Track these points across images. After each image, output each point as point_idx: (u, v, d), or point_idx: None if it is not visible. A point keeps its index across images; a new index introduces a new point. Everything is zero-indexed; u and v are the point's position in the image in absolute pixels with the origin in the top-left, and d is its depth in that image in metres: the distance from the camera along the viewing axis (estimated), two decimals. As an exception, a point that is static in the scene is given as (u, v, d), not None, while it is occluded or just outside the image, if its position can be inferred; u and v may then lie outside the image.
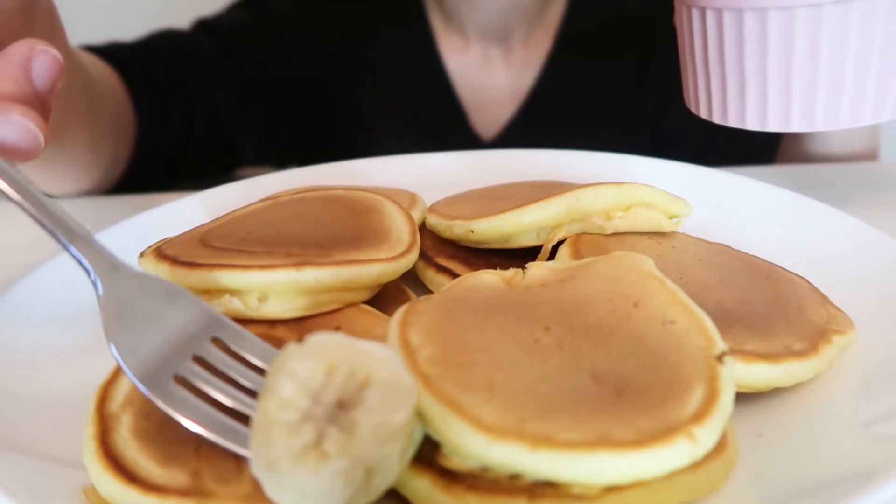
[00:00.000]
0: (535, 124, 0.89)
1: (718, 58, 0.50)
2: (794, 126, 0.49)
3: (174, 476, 0.30)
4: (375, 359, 0.28)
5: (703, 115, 0.54)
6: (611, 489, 0.28)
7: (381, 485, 0.27)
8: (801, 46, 0.46)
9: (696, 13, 0.50)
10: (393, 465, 0.28)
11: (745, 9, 0.46)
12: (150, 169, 0.81)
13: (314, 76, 0.92)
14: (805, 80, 0.47)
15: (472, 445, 0.28)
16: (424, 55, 0.91)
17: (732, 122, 0.52)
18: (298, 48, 0.91)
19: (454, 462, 0.29)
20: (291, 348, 0.29)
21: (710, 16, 0.49)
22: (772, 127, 0.50)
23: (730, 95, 0.51)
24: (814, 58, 0.46)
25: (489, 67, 0.91)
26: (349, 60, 0.92)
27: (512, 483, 0.29)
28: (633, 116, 0.90)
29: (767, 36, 0.47)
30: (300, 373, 0.28)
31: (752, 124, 0.51)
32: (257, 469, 0.27)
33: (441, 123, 0.91)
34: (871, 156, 0.77)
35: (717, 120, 0.53)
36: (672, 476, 0.29)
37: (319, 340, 0.29)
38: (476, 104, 0.91)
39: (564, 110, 0.90)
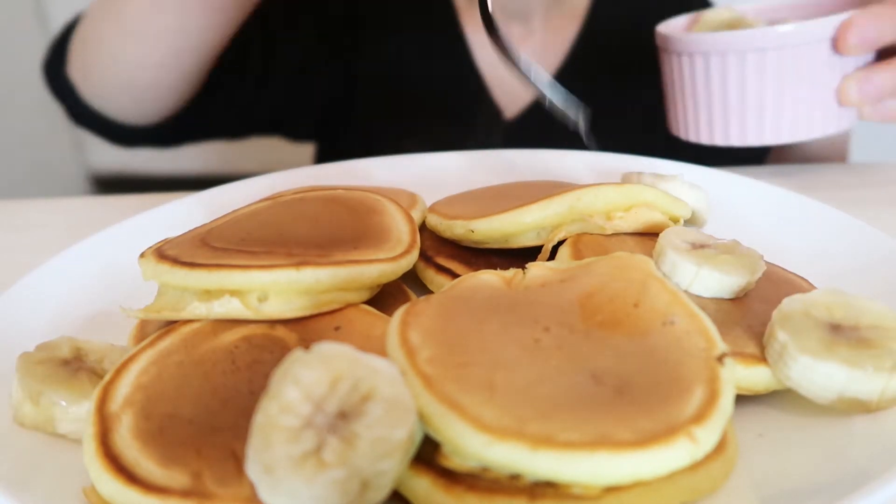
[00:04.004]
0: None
1: (692, 91, 0.65)
2: (750, 141, 0.64)
3: (175, 477, 0.30)
4: (380, 374, 0.28)
5: (682, 135, 0.69)
6: (611, 489, 0.28)
7: (373, 499, 0.27)
8: (750, 81, 0.61)
9: (674, 57, 0.65)
10: (387, 482, 0.28)
11: (711, 52, 0.62)
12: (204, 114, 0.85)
13: (340, 51, 0.92)
14: (754, 105, 0.62)
15: (472, 445, 0.28)
16: (446, 30, 0.91)
17: (704, 140, 0.66)
18: (327, 24, 0.91)
19: (454, 462, 0.29)
20: (298, 355, 0.29)
21: (684, 60, 0.64)
22: (734, 142, 0.64)
23: (701, 119, 0.65)
24: (759, 90, 0.61)
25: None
26: (374, 37, 0.92)
27: (512, 483, 0.29)
28: (649, 118, 0.91)
29: (727, 73, 0.62)
30: (304, 379, 0.28)
31: (719, 140, 0.65)
32: (253, 471, 0.27)
33: (464, 99, 0.91)
34: (841, 155, 0.85)
35: (692, 139, 0.68)
36: (672, 476, 0.29)
37: (326, 349, 0.29)
38: (498, 80, 0.91)
39: (585, 100, 0.90)
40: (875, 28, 0.57)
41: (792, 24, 0.59)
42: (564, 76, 0.89)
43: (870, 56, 0.61)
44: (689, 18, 0.70)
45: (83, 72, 0.79)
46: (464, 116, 0.91)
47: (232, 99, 0.87)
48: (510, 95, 0.90)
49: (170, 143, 0.89)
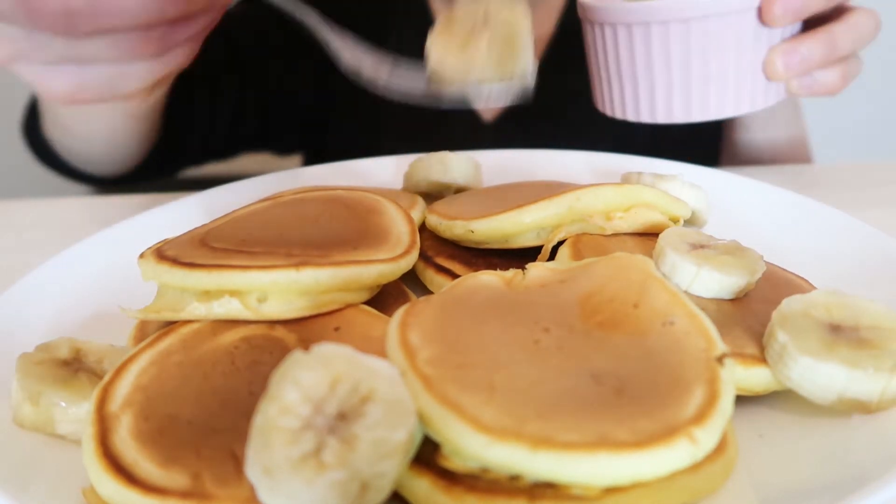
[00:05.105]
0: (536, 109, 0.90)
1: (616, 64, 0.60)
2: (676, 118, 0.59)
3: (174, 478, 0.30)
4: (379, 376, 0.28)
5: (608, 113, 0.63)
6: (611, 490, 0.28)
7: (373, 500, 0.27)
8: (675, 53, 0.56)
9: (596, 28, 0.60)
10: (387, 483, 0.28)
11: (633, 23, 0.57)
12: (171, 154, 0.86)
13: (314, 62, 0.92)
14: (679, 80, 0.58)
15: (472, 446, 0.28)
16: (423, 33, 0.92)
17: (630, 117, 0.61)
18: (299, 39, 0.92)
19: (454, 463, 0.29)
20: (297, 356, 0.28)
21: (607, 31, 0.59)
22: (660, 119, 0.60)
23: (627, 94, 0.60)
24: (684, 63, 0.57)
25: None
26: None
27: (512, 484, 0.29)
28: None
29: (650, 45, 0.57)
30: (304, 381, 0.28)
31: (645, 118, 0.60)
32: (253, 473, 0.27)
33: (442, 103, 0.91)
34: (802, 157, 0.82)
35: (618, 116, 0.62)
36: (672, 477, 0.29)
37: (325, 351, 0.29)
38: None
39: (564, 99, 0.90)
40: None
41: None
42: (544, 72, 0.90)
43: (796, 27, 0.58)
44: None
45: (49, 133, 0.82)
46: (442, 120, 0.91)
47: (213, 124, 0.88)
48: None
49: (158, 177, 0.89)
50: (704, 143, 0.80)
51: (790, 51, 0.57)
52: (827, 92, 0.60)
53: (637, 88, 0.60)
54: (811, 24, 0.59)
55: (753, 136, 0.80)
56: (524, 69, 0.42)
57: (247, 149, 0.98)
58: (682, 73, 0.57)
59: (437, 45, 0.37)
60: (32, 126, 0.83)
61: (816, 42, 0.57)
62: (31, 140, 0.84)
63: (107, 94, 0.49)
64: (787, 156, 0.81)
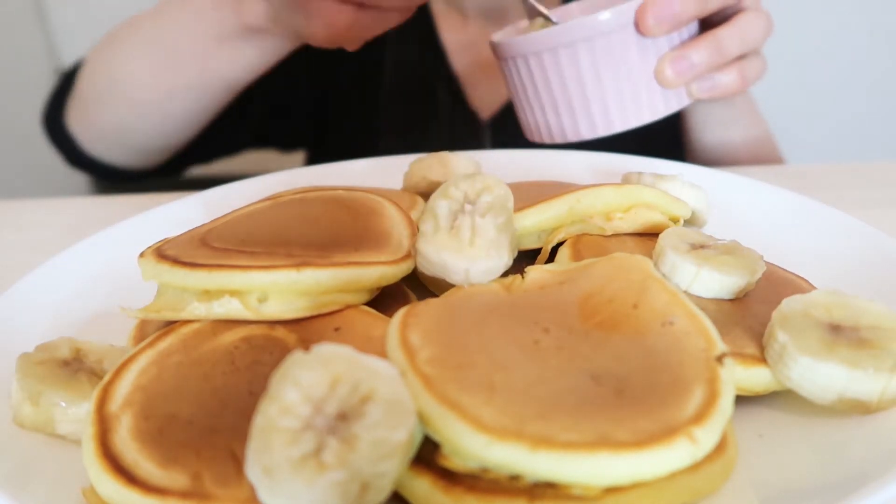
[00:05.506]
0: None
1: (524, 93, 0.63)
2: (584, 135, 0.62)
3: (174, 478, 0.30)
4: (379, 376, 0.28)
5: (529, 138, 0.66)
6: (611, 490, 0.28)
7: (373, 501, 0.27)
8: (568, 76, 0.60)
9: (502, 64, 0.64)
10: (387, 483, 0.28)
11: (528, 54, 0.60)
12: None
13: (314, 57, 0.93)
14: (578, 100, 0.61)
15: (472, 446, 0.28)
16: (422, 32, 0.92)
17: (546, 140, 0.64)
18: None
19: (454, 463, 0.29)
20: (297, 356, 0.28)
21: (510, 64, 0.62)
22: (570, 138, 0.63)
23: (538, 120, 0.64)
24: (578, 83, 0.60)
25: (487, 45, 0.91)
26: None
27: (512, 484, 0.29)
28: None
29: (546, 72, 0.60)
30: (304, 381, 0.28)
31: (557, 138, 0.63)
32: (253, 473, 0.27)
33: (439, 100, 0.91)
34: (761, 145, 0.82)
35: (536, 140, 0.65)
36: (672, 477, 0.29)
37: (325, 351, 0.29)
38: (474, 81, 0.91)
39: None
40: (670, 5, 0.56)
41: (600, 13, 0.57)
42: None
43: (689, 34, 0.60)
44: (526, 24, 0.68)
45: (83, 125, 0.81)
46: (441, 119, 0.91)
47: (221, 122, 0.89)
48: (486, 98, 0.91)
49: (166, 175, 0.90)
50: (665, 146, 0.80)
51: (678, 58, 0.58)
52: (729, 93, 0.61)
53: (545, 112, 0.62)
54: (710, 28, 0.60)
55: (701, 136, 0.80)
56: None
57: (251, 145, 0.98)
58: (579, 93, 0.60)
59: (432, 246, 0.39)
60: (54, 119, 0.83)
61: (702, 47, 0.59)
62: (52, 132, 0.83)
63: (360, 36, 0.58)
64: (748, 157, 0.80)
